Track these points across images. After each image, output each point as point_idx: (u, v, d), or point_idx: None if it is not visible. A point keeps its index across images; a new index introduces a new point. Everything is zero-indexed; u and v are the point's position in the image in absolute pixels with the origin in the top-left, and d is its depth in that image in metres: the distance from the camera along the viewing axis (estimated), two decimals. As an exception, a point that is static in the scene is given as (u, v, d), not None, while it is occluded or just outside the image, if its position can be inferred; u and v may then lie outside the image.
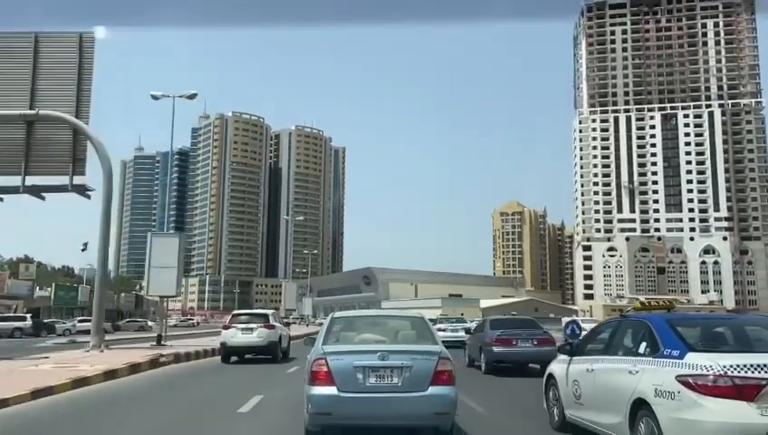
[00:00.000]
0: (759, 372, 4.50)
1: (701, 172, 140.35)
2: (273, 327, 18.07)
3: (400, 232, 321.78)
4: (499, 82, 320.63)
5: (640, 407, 5.18)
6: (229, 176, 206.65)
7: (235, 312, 20.62)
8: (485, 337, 14.61)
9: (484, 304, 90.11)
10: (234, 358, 17.99)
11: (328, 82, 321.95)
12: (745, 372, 4.53)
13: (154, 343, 22.53)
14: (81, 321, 41.46)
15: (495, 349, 14.02)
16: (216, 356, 19.34)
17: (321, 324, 22.91)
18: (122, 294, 58.52)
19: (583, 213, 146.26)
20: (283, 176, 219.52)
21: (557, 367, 7.38)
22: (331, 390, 5.88)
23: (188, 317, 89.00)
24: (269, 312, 19.78)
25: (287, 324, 19.77)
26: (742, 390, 4.49)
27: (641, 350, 5.50)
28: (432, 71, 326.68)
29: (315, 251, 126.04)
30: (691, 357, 4.84)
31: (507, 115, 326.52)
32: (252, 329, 17.77)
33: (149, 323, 56.76)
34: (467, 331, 24.47)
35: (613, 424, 5.64)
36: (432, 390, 5.88)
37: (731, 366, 4.56)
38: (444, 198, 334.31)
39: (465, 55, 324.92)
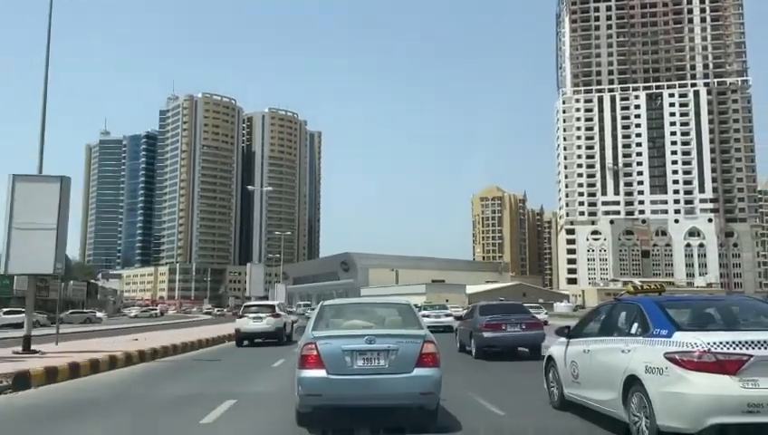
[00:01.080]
0: (740, 349, 4.85)
1: (686, 153, 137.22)
2: (278, 316, 20.83)
3: (378, 219, 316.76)
4: (479, 65, 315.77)
5: (632, 383, 5.49)
6: (200, 160, 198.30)
7: (247, 304, 23.16)
8: (476, 323, 14.91)
9: (471, 289, 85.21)
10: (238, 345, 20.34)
11: (303, 64, 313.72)
12: (728, 348, 4.89)
13: (20, 351, 14.53)
14: (7, 313, 34.98)
15: (486, 334, 14.36)
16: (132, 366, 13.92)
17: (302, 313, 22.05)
18: (71, 282, 51.77)
19: (567, 195, 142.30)
20: (257, 160, 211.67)
21: (556, 349, 7.66)
22: (320, 372, 6.04)
23: (150, 307, 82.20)
24: (275, 303, 22.80)
25: (277, 315, 20.82)
26: (724, 365, 4.84)
27: (633, 330, 5.87)
28: (411, 52, 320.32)
29: (289, 232, 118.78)
30: (678, 336, 5.19)
31: (487, 98, 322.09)
32: (261, 317, 20.36)
33: (99, 315, 50.34)
34: (448, 316, 28.28)
35: (608, 400, 6.01)
36: (417, 371, 6.07)
37: (714, 343, 4.92)
38: (422, 184, 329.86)
39: (444, 37, 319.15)
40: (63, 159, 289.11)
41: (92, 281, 73.67)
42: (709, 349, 4.91)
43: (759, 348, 4.87)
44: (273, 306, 21.55)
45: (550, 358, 7.83)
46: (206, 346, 19.62)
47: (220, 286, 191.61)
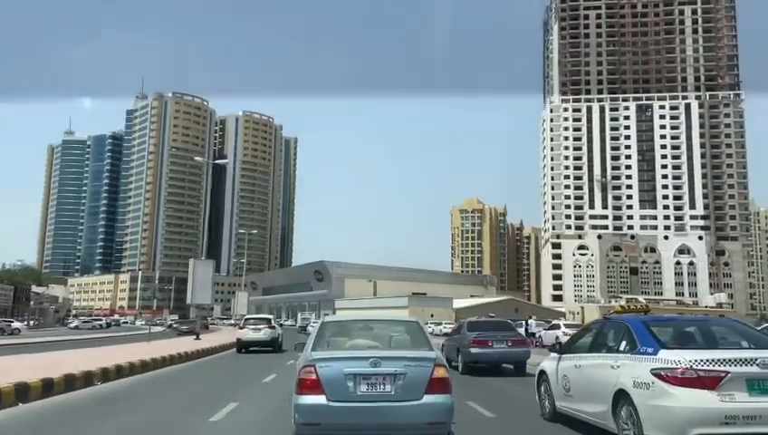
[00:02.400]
0: (719, 366, 5.33)
1: (677, 167, 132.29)
2: (273, 328, 24.82)
3: (354, 230, 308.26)
4: (458, 76, 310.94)
5: (621, 397, 5.92)
6: (168, 163, 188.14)
7: (247, 317, 27.79)
8: (463, 339, 15.32)
9: (458, 303, 77.54)
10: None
11: (283, 70, 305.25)
12: (708, 365, 5.35)
13: None
14: None
15: (473, 350, 14.75)
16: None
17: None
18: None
19: (553, 208, 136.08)
20: (229, 165, 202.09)
21: (548, 364, 8.01)
22: (319, 399, 5.56)
23: (95, 318, 72.30)
24: (270, 317, 28.26)
25: (272, 327, 24.30)
26: (704, 380, 5.30)
27: (622, 347, 6.32)
28: (391, 61, 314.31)
29: (255, 231, 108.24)
30: (663, 353, 5.66)
31: (467, 109, 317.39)
32: (259, 329, 24.14)
33: (15, 325, 41.24)
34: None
35: (599, 412, 6.40)
36: (427, 398, 5.60)
37: (696, 361, 5.39)
38: (399, 196, 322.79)
39: (423, 45, 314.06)
40: (25, 160, 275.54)
41: (27, 287, 64.10)
42: (691, 366, 5.38)
43: (735, 365, 5.35)
44: (269, 320, 25.58)
45: (542, 372, 8.15)
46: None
47: (185, 296, 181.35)
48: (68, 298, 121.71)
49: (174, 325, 58.08)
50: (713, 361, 5.38)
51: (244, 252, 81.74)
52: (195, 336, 27.34)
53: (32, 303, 57.60)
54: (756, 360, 5.41)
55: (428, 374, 5.63)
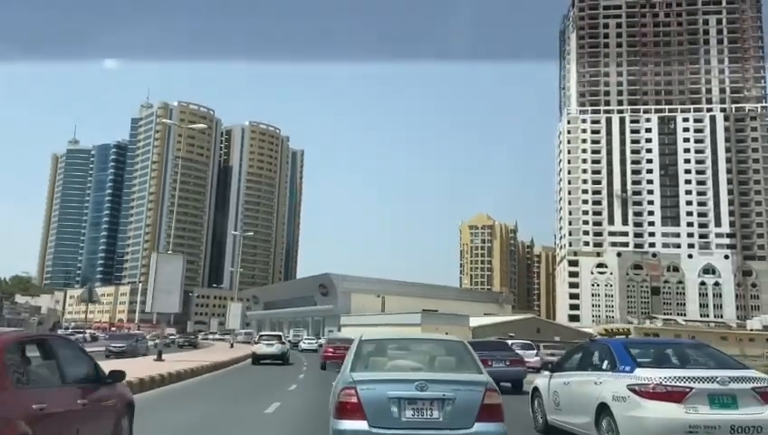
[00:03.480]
0: (685, 383, 6.15)
1: (701, 183, 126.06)
2: (284, 343, 28.06)
3: (360, 245, 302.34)
4: (469, 91, 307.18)
5: (603, 409, 6.62)
6: (171, 172, 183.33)
7: (261, 333, 32.99)
8: None
9: (475, 321, 71.32)
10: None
11: (291, 82, 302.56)
12: (675, 382, 6.16)
13: None
14: None
15: None
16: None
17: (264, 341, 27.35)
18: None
19: (570, 223, 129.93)
20: (234, 175, 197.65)
21: (540, 381, 8.88)
22: (361, 424, 5.16)
23: (78, 329, 66.40)
24: (280, 333, 32.43)
25: (282, 342, 27.52)
26: (672, 395, 6.12)
27: (604, 366, 7.08)
28: (401, 76, 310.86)
29: (251, 232, 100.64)
30: (638, 371, 6.47)
31: (474, 125, 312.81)
32: (272, 344, 27.01)
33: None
34: None
35: (583, 423, 7.04)
36: (478, 426, 5.17)
37: (666, 377, 6.22)
38: (406, 212, 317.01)
39: (433, 62, 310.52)
40: (29, 169, 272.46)
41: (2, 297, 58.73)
42: (661, 382, 6.20)
43: (699, 383, 6.15)
44: (279, 336, 29.47)
45: (535, 389, 8.94)
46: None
47: (187, 310, 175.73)
48: (54, 309, 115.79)
49: (176, 340, 52.80)
50: (680, 378, 6.22)
51: (238, 259, 75.58)
52: (156, 356, 21.35)
53: (4, 312, 52.21)
54: (717, 378, 6.25)
55: (479, 400, 5.20)
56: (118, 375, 5.61)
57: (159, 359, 21.01)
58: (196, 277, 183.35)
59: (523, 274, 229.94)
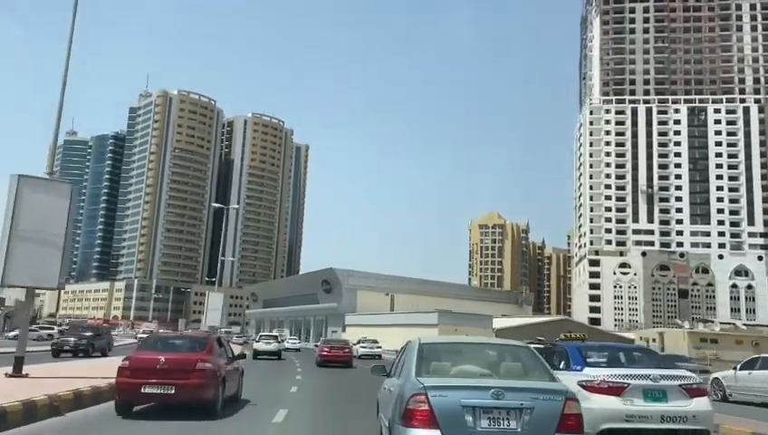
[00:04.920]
0: (624, 379, 7.39)
1: (733, 178, 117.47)
2: (280, 342, 34.21)
3: (365, 244, 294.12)
4: (477, 85, 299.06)
5: None
6: (170, 164, 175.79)
7: (261, 334, 37.12)
8: None
9: (499, 323, 63.03)
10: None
11: (297, 76, 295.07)
12: (616, 379, 7.41)
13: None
14: None
15: None
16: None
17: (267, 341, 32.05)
18: None
19: (591, 221, 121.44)
20: (235, 169, 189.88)
21: None
22: (433, 434, 4.76)
23: (45, 325, 58.23)
24: (277, 334, 38.58)
25: (279, 342, 33.14)
26: (613, 389, 7.35)
27: (561, 366, 8.32)
28: (409, 72, 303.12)
29: (236, 206, 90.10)
30: (587, 370, 7.78)
31: (488, 119, 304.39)
32: (270, 342, 32.59)
33: None
34: (378, 347, 40.88)
35: None
36: None
37: (608, 375, 7.50)
38: (415, 210, 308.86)
39: (443, 56, 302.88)
40: (28, 160, 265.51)
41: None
42: (604, 379, 7.44)
43: (635, 379, 7.37)
44: (276, 336, 35.31)
45: None
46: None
47: (184, 308, 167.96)
48: (26, 302, 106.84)
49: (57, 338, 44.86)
50: (619, 375, 7.46)
51: (235, 248, 67.56)
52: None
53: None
54: (650, 376, 7.51)
55: (560, 410, 4.83)
56: (240, 356, 12.69)
57: (17, 373, 12.52)
58: (195, 274, 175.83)
59: (534, 275, 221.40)
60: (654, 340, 54.76)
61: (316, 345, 40.67)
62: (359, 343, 40.47)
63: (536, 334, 54.81)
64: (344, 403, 12.65)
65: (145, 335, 44.28)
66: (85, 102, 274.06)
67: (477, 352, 5.97)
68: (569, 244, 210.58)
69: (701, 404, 7.52)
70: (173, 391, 9.18)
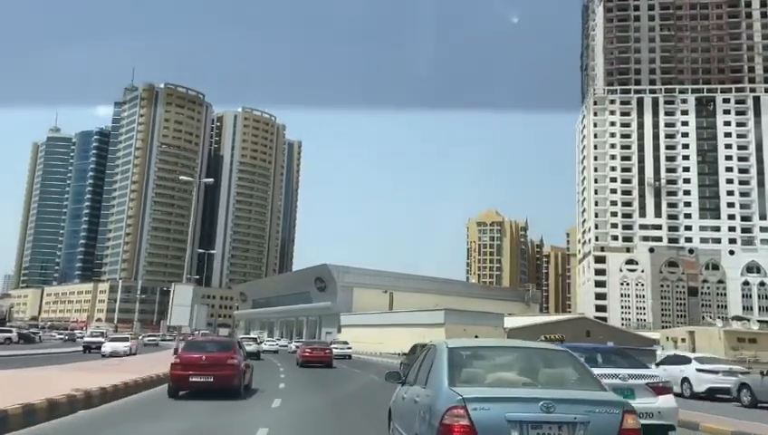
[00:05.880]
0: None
1: (744, 171, 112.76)
2: (259, 344, 39.74)
3: (359, 244, 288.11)
4: (475, 80, 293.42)
5: None
6: (156, 160, 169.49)
7: (242, 336, 46.68)
8: (415, 357, 18.55)
9: (511, 322, 57.60)
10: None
11: (292, 69, 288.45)
12: None
13: None
14: None
15: None
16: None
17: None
18: None
19: (596, 216, 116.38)
20: (225, 165, 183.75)
21: None
22: None
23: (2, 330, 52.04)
24: (256, 336, 49.10)
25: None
26: None
27: None
28: (404, 67, 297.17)
29: (211, 179, 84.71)
30: None
31: (483, 114, 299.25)
32: (250, 344, 33.87)
33: None
34: (349, 348, 45.93)
35: None
36: None
37: None
38: (410, 208, 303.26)
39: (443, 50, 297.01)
40: (8, 158, 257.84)
41: None
42: None
43: (605, 378, 7.25)
44: (255, 338, 42.44)
45: None
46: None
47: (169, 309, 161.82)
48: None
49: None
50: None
51: (209, 244, 62.02)
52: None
53: None
54: (619, 375, 8.21)
55: (617, 424, 4.30)
56: (253, 356, 24.66)
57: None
58: (181, 274, 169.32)
59: (533, 274, 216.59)
60: (683, 340, 49.51)
61: (297, 346, 41.51)
62: (331, 343, 42.58)
63: (555, 332, 49.41)
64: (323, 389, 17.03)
65: (91, 339, 39.20)
66: (70, 98, 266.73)
67: (512, 358, 5.27)
68: (568, 242, 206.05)
69: (666, 401, 8.23)
70: (212, 380, 12.97)
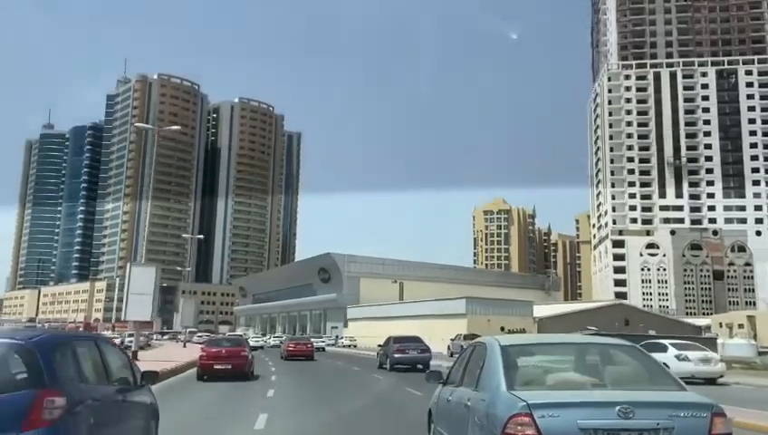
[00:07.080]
0: None
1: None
2: (247, 340, 32.40)
3: (362, 237, 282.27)
4: (482, 63, 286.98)
5: None
6: (151, 153, 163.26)
7: (228, 334, 45.14)
8: (390, 348, 24.52)
9: (540, 311, 51.78)
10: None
11: (291, 54, 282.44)
12: None
13: None
14: None
15: (396, 355, 23.76)
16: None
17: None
18: None
19: (613, 198, 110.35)
20: (223, 157, 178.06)
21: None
22: None
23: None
24: (242, 334, 43.79)
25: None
26: None
27: None
28: (407, 50, 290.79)
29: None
30: None
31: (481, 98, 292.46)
32: (256, 341, 48.30)
33: None
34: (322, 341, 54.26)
35: None
36: None
37: None
38: (414, 197, 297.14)
39: (448, 30, 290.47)
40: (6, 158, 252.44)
41: None
42: None
43: None
44: (241, 335, 37.37)
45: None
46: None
47: (171, 308, 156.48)
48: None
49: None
50: None
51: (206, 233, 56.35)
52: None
53: None
54: None
55: (706, 429, 3.78)
56: (255, 349, 31.41)
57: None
58: (180, 270, 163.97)
59: (541, 263, 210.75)
60: (741, 325, 43.62)
61: (281, 342, 43.06)
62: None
63: (586, 323, 43.39)
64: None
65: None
66: (63, 93, 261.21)
67: (573, 355, 4.78)
68: (578, 229, 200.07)
69: None
70: (230, 367, 17.48)
